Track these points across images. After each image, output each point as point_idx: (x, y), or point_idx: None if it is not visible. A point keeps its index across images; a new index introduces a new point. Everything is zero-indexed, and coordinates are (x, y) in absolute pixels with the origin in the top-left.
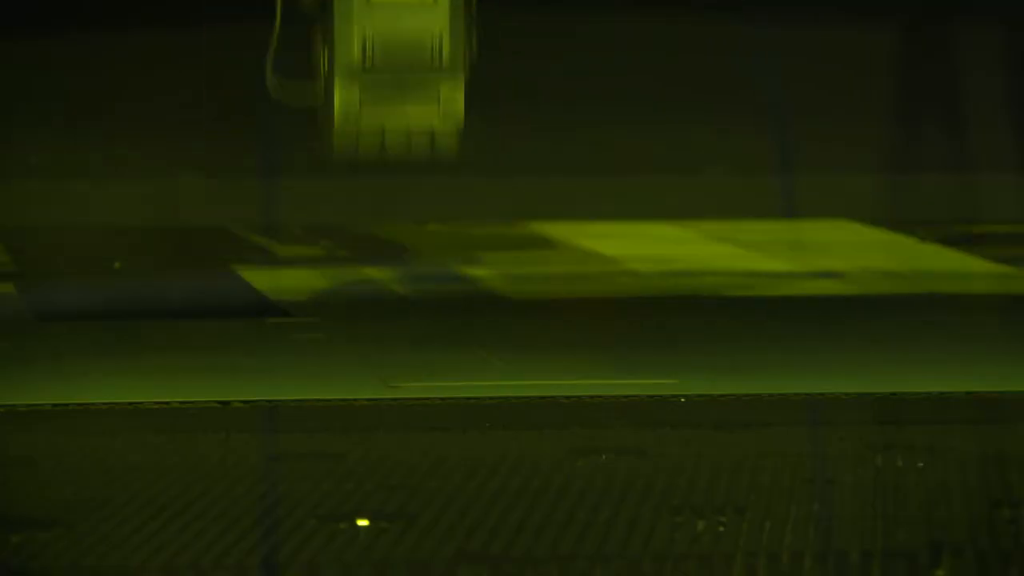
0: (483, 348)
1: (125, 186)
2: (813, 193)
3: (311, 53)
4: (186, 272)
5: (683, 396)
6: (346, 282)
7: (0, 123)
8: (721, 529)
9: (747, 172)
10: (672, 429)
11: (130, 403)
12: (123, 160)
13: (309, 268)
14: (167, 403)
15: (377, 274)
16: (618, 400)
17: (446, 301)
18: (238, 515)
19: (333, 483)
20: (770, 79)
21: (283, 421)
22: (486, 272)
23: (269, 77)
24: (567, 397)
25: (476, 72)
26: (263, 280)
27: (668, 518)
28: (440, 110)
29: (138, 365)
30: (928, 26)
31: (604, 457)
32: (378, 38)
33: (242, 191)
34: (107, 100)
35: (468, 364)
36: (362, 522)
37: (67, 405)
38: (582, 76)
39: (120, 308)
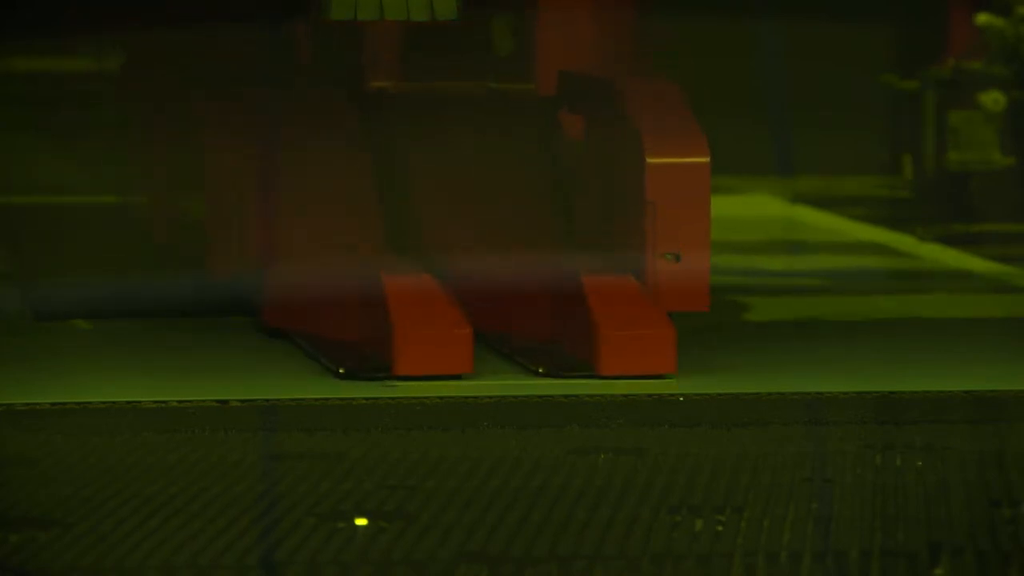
0: None
1: None
2: None
3: None
4: None
5: (682, 395)
6: None
7: None
8: (720, 529)
9: None
10: (671, 428)
11: (129, 402)
12: None
13: None
14: (166, 403)
15: None
16: (618, 400)
17: None
18: (237, 514)
19: (332, 482)
20: None
21: (282, 420)
22: None
23: None
24: (566, 397)
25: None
26: None
27: (667, 518)
28: None
29: None
30: None
31: (603, 457)
32: None
33: None
34: None
35: None
36: (361, 521)
37: (66, 404)
38: None
39: None
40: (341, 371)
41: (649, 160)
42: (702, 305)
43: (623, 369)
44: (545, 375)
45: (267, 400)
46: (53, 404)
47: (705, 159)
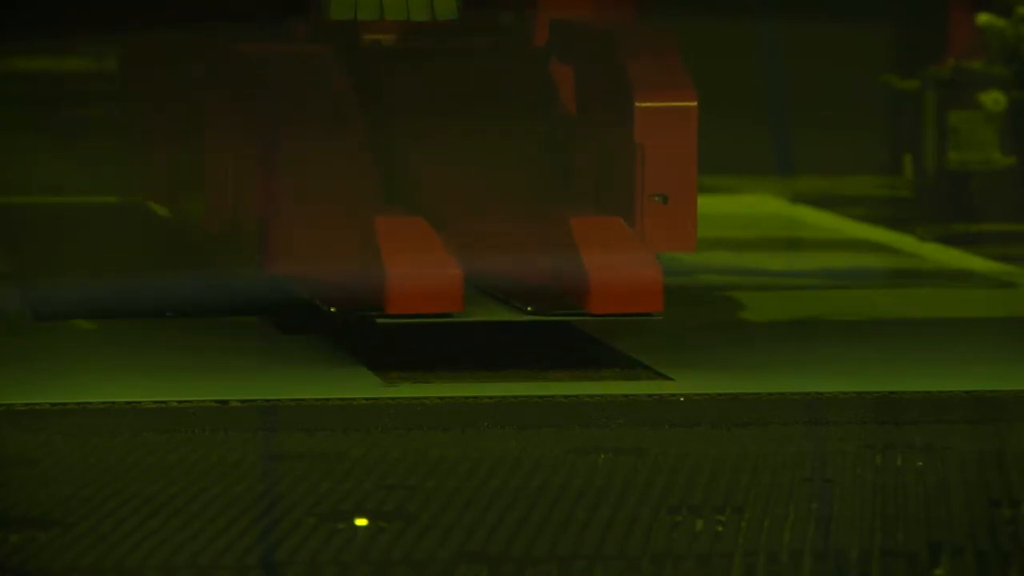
0: None
1: None
2: None
3: None
4: None
5: (682, 395)
6: None
7: None
8: (720, 529)
9: None
10: (671, 428)
11: (129, 403)
12: None
13: None
14: (166, 403)
15: None
16: (618, 400)
17: None
18: (237, 514)
19: (332, 482)
20: None
21: (282, 420)
22: None
23: None
24: (567, 397)
25: None
26: None
27: (667, 518)
28: None
29: None
30: None
31: (603, 457)
32: None
33: None
34: None
35: None
36: (361, 521)
37: (66, 404)
38: None
39: None
40: (332, 310)
41: (638, 104)
42: (689, 247)
43: (611, 308)
44: (533, 313)
45: (267, 400)
46: (53, 404)
47: (693, 103)
